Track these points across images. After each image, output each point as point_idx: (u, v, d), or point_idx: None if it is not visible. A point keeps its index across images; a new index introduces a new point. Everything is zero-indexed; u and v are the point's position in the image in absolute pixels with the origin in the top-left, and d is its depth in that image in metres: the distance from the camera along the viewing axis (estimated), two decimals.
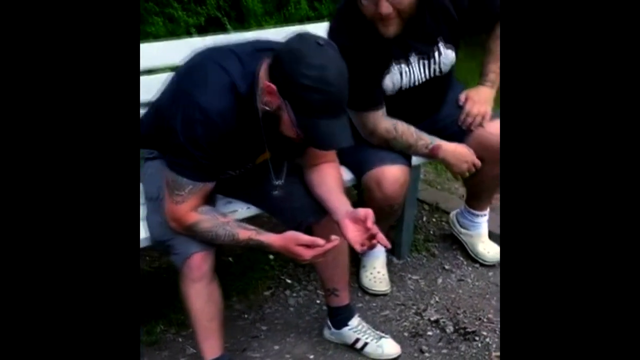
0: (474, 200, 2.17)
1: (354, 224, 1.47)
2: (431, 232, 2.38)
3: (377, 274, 2.08)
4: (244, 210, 1.74)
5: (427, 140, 1.84)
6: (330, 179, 1.58)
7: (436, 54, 1.82)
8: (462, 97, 1.93)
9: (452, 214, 2.30)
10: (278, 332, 1.90)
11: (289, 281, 2.12)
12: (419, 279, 2.14)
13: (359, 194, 2.24)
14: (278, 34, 1.52)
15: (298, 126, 1.33)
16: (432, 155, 1.86)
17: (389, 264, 2.15)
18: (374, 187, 1.81)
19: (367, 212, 1.44)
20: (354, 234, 1.46)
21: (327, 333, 1.86)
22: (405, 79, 1.81)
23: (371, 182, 1.82)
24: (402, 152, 1.86)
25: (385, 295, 2.05)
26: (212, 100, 1.34)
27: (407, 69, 1.80)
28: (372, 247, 1.45)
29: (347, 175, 1.91)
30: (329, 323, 1.84)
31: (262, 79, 1.35)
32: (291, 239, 1.40)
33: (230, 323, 1.91)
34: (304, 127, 1.33)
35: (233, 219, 1.47)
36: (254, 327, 1.91)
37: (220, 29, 2.73)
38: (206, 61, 1.39)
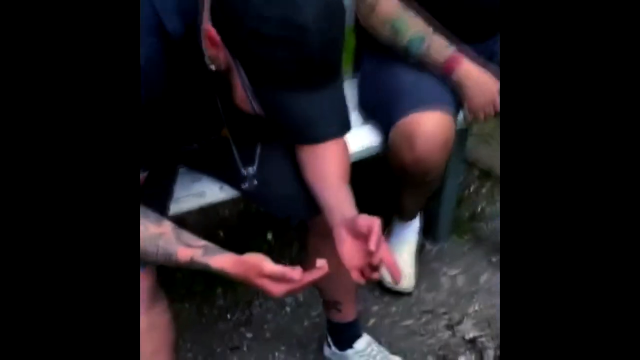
0: None
1: (353, 238, 0.99)
2: (479, 208, 1.85)
3: (402, 264, 1.60)
4: (216, 192, 1.27)
5: (446, 43, 1.28)
6: (328, 162, 1.08)
7: None
8: None
9: None
10: (265, 342, 1.49)
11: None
12: (456, 275, 1.66)
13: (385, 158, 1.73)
14: None
15: (257, 101, 0.83)
16: (445, 69, 1.29)
17: (420, 249, 1.67)
18: (403, 144, 1.28)
19: (371, 225, 0.95)
20: (350, 254, 0.98)
21: (327, 352, 1.43)
22: None
23: (400, 137, 1.28)
24: (447, 92, 1.31)
25: (409, 294, 1.59)
26: None
27: None
28: (372, 279, 0.98)
29: (369, 137, 1.40)
30: (329, 339, 1.41)
31: (206, 19, 0.85)
32: (252, 267, 0.94)
33: (208, 326, 1.52)
34: (265, 104, 0.83)
35: (172, 227, 1.01)
36: (237, 332, 1.51)
37: None
38: None
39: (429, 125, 1.26)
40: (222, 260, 0.96)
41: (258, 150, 1.11)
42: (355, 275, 0.98)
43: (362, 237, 0.97)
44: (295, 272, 0.91)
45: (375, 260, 0.94)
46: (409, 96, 1.30)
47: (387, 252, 0.96)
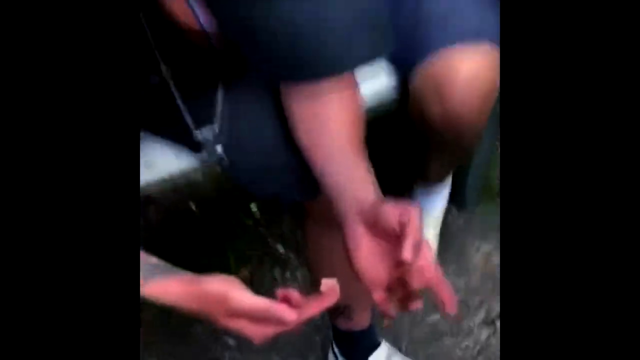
0: None
1: (373, 238, 0.64)
2: None
3: None
4: (170, 160, 0.92)
5: None
6: (334, 116, 0.71)
7: None
8: None
9: None
10: (253, 352, 1.16)
11: (281, 251, 1.34)
12: (491, 251, 1.34)
13: (401, 110, 1.35)
14: None
15: (206, 9, 0.47)
16: None
17: (443, 220, 1.34)
18: (429, 94, 0.93)
19: (404, 217, 0.61)
20: (372, 266, 0.65)
21: None
22: None
23: (426, 83, 0.94)
24: (492, 16, 0.94)
25: None
26: None
27: None
28: (407, 309, 0.65)
29: (379, 80, 1.03)
30: (336, 349, 1.08)
31: None
32: (217, 301, 0.59)
33: (180, 332, 1.20)
34: (220, 13, 0.46)
35: None
36: (218, 341, 1.19)
37: None
38: None
39: (469, 67, 0.90)
40: (167, 288, 0.60)
41: (219, 98, 0.73)
42: (379, 299, 0.65)
43: (388, 235, 0.62)
44: (287, 310, 0.56)
45: (414, 282, 0.59)
46: (441, 25, 0.93)
47: (431, 266, 0.62)
